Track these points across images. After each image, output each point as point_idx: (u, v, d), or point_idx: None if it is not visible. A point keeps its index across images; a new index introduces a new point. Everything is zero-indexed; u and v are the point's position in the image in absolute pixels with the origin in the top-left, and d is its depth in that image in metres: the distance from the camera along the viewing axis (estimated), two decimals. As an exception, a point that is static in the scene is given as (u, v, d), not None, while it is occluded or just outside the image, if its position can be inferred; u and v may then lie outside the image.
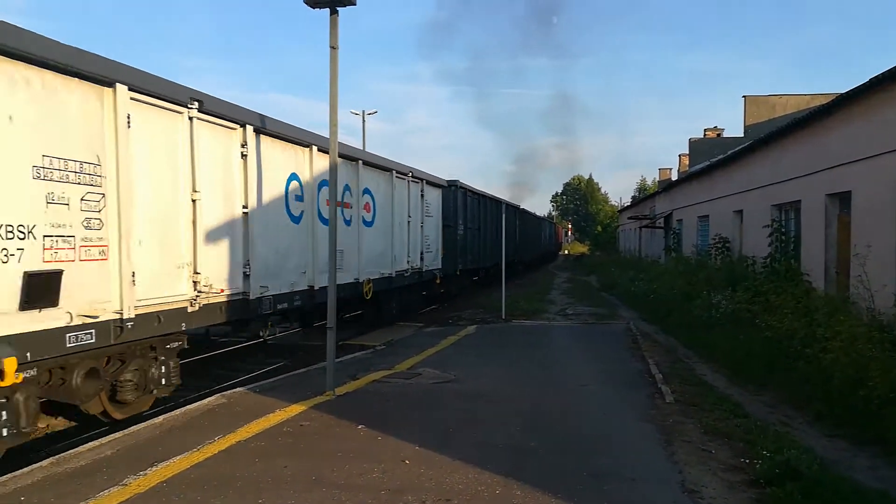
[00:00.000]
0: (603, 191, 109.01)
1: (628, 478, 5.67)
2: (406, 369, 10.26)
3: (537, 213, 54.76)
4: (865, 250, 10.02)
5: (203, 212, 8.56)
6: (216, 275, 8.83)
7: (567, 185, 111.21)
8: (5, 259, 5.98)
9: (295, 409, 7.74)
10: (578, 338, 14.23)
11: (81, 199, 6.75)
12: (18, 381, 6.03)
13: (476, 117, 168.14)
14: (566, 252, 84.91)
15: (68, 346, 6.59)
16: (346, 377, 9.46)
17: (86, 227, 6.81)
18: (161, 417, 7.38)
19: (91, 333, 6.85)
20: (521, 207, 39.17)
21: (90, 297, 6.82)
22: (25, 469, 5.76)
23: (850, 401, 8.05)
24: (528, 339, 13.92)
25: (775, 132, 15.33)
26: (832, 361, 8.64)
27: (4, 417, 6.09)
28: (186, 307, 8.25)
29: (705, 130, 40.57)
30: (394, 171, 15.54)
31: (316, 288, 11.32)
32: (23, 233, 6.16)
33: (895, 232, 9.85)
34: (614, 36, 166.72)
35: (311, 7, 8.14)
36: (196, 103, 8.43)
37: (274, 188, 10.31)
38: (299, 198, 11.10)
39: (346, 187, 12.95)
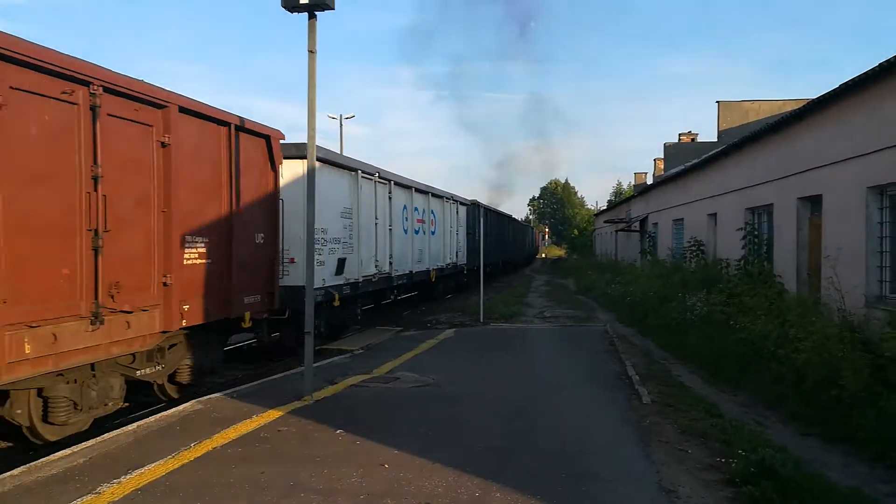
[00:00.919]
0: (579, 195, 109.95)
1: (606, 479, 5.70)
2: (384, 373, 10.23)
3: (520, 220, 59.81)
4: (836, 252, 10.22)
5: (378, 229, 16.02)
6: (382, 261, 16.35)
7: (544, 189, 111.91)
8: (332, 252, 13.08)
9: (272, 414, 7.67)
10: (556, 340, 14.30)
11: (350, 225, 14.13)
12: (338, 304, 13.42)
13: (455, 121, 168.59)
14: (543, 255, 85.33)
15: (343, 293, 13.66)
16: (324, 382, 9.40)
17: (348, 238, 14.00)
18: (135, 424, 7.27)
19: (349, 287, 14.05)
20: (512, 216, 46.74)
21: (350, 271, 14.06)
22: (-5, 478, 5.63)
23: (822, 400, 8.19)
24: (506, 342, 13.96)
25: (748, 137, 15.57)
26: (805, 362, 8.78)
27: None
28: (371, 278, 15.54)
29: (680, 135, 41.10)
30: (444, 197, 23.35)
31: (413, 272, 19.12)
32: (337, 241, 13.43)
33: (864, 234, 10.05)
34: (590, 41, 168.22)
35: (289, 11, 8.10)
36: (377, 173, 15.99)
37: (397, 214, 17.70)
38: (406, 219, 18.59)
39: (424, 211, 20.61)
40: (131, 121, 7.61)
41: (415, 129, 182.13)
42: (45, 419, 7.03)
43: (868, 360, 7.95)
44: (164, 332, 8.07)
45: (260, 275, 10.42)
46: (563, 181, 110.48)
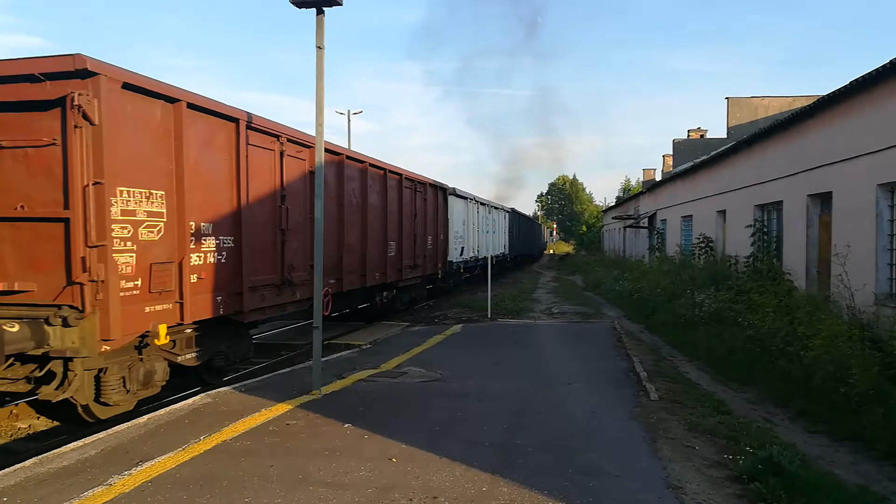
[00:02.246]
0: (588, 191, 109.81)
1: (613, 475, 5.71)
2: (392, 368, 10.27)
3: (530, 216, 66.81)
4: (845, 250, 10.17)
5: (473, 230, 26.14)
6: (474, 249, 26.38)
7: (552, 185, 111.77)
8: (460, 244, 23.88)
9: (281, 408, 7.72)
10: (564, 336, 14.30)
11: (464, 229, 24.60)
12: (462, 272, 25.68)
13: (463, 117, 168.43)
14: (551, 251, 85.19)
15: (463, 266, 24.71)
16: (332, 376, 9.45)
17: (464, 235, 24.50)
18: (145, 417, 7.33)
19: (464, 263, 24.77)
20: (528, 215, 58.65)
21: (465, 254, 24.65)
22: (8, 469, 5.70)
23: (830, 398, 8.18)
24: (513, 338, 13.96)
25: (758, 133, 15.50)
26: (813, 359, 8.77)
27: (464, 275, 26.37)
28: (471, 259, 25.84)
29: (689, 131, 40.97)
30: (500, 208, 33.73)
31: (489, 256, 23.65)
32: (462, 238, 24.24)
33: (874, 232, 10.01)
34: (598, 37, 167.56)
35: (297, 7, 8.12)
36: (474, 198, 26.14)
37: (480, 220, 27.62)
38: (483, 223, 28.40)
39: (490, 217, 30.36)
40: (412, 189, 17.74)
41: (423, 125, 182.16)
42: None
43: (877, 359, 7.93)
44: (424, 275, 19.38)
45: (440, 254, 20.95)
46: (571, 177, 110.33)
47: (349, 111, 41.75)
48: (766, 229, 15.18)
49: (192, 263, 8.24)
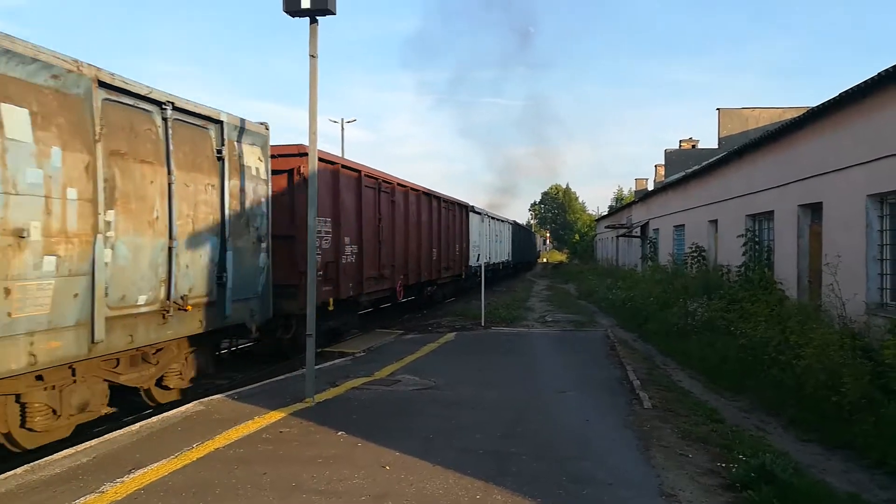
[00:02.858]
0: (580, 200, 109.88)
1: (607, 482, 5.72)
2: (386, 376, 10.26)
3: (527, 227, 71.13)
4: (836, 260, 10.24)
5: (484, 240, 30.76)
6: (486, 256, 29.26)
7: (545, 194, 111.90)
8: (477, 251, 28.47)
9: (274, 415, 7.70)
10: (557, 345, 14.31)
11: (479, 239, 29.33)
12: (478, 276, 23.43)
13: (457, 126, 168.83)
14: (544, 260, 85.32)
15: (477, 270, 25.23)
16: (326, 384, 9.43)
17: (479, 244, 29.47)
18: (138, 425, 7.30)
19: (478, 268, 23.96)
20: (525, 226, 66.55)
21: (479, 260, 26.53)
22: (0, 477, 5.66)
23: (822, 406, 8.22)
24: (507, 346, 13.96)
25: (749, 144, 15.61)
26: (805, 368, 8.81)
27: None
28: (483, 265, 21.92)
29: (681, 142, 41.20)
30: (504, 221, 38.80)
31: (497, 262, 33.15)
32: (478, 247, 29.18)
33: (865, 242, 10.08)
34: (592, 48, 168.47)
35: (290, 16, 8.15)
36: (486, 213, 32.09)
37: (490, 232, 32.75)
38: (492, 234, 33.27)
39: (497, 228, 35.22)
40: (446, 208, 23.09)
41: (417, 134, 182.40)
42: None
43: (868, 367, 7.98)
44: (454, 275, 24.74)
45: (464, 259, 25.63)
46: (564, 186, 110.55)
47: (342, 119, 41.94)
48: (757, 239, 15.26)
49: (341, 262, 13.35)
